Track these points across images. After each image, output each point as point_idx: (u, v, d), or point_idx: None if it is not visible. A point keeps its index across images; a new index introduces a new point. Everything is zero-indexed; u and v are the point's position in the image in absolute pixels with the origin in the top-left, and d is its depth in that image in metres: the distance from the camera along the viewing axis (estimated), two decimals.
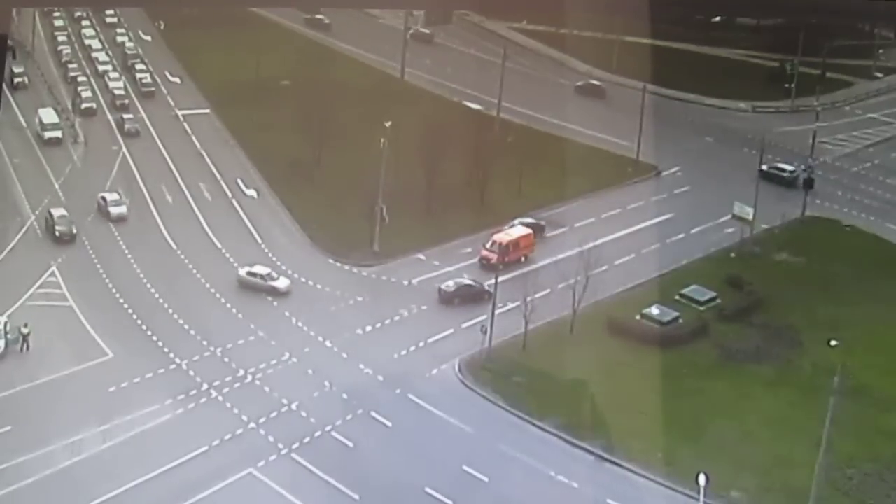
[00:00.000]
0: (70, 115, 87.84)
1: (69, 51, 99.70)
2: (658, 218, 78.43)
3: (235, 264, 70.97)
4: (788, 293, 70.42)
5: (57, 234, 72.25)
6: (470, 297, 68.67)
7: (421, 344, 64.75)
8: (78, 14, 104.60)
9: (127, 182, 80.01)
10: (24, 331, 61.96)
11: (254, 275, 69.45)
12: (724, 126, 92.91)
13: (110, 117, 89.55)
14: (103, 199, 76.19)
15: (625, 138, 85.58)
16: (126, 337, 63.97)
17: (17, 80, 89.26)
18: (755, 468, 55.73)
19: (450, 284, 69.59)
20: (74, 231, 72.69)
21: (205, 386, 60.66)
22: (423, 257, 72.80)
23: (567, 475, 55.53)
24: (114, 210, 75.50)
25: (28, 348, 61.84)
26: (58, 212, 73.56)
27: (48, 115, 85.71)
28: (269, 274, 69.59)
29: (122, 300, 67.10)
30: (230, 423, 58.10)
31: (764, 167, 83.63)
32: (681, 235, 76.51)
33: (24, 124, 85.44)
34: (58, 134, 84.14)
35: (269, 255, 72.52)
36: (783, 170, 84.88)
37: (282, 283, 69.22)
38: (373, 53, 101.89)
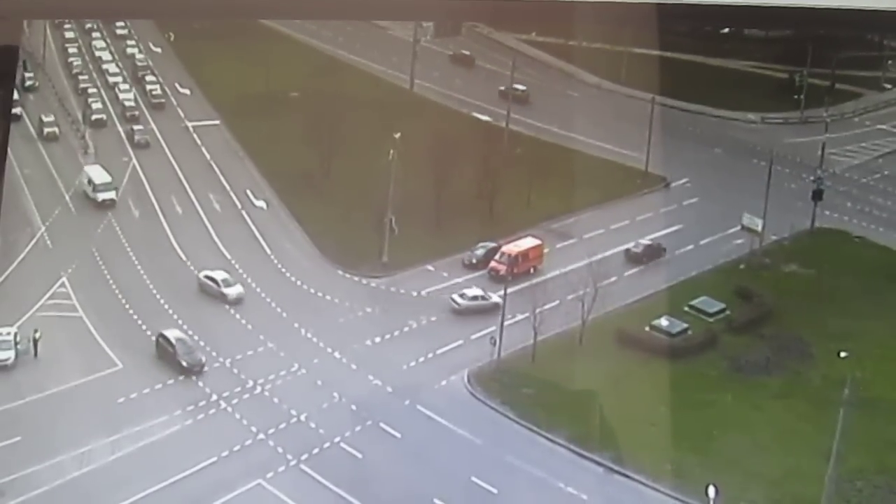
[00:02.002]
0: (80, 126, 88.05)
1: (79, 62, 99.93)
2: (667, 229, 78.36)
3: (244, 274, 71.09)
4: (798, 305, 70.30)
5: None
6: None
7: (430, 355, 64.75)
8: (88, 26, 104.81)
9: (137, 193, 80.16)
10: (36, 336, 62.40)
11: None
12: (732, 137, 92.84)
13: (120, 129, 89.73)
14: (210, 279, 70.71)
15: (634, 150, 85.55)
16: (135, 347, 64.06)
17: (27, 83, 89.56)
18: (765, 480, 55.61)
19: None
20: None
21: (214, 397, 60.74)
22: (432, 268, 72.83)
23: (576, 487, 55.46)
24: None
25: (37, 354, 62.08)
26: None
27: (99, 174, 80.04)
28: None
29: (131, 311, 67.20)
30: (239, 435, 58.16)
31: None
32: (690, 247, 76.44)
33: (34, 135, 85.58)
34: (112, 195, 78.19)
35: (278, 265, 72.63)
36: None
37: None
38: (382, 65, 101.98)
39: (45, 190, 78.57)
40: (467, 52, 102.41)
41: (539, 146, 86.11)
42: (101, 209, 76.73)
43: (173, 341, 63.51)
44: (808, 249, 77.58)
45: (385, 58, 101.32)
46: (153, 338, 64.72)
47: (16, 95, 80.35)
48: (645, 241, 74.48)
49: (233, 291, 69.22)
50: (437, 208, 77.22)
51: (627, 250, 74.18)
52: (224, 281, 69.50)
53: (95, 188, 78.08)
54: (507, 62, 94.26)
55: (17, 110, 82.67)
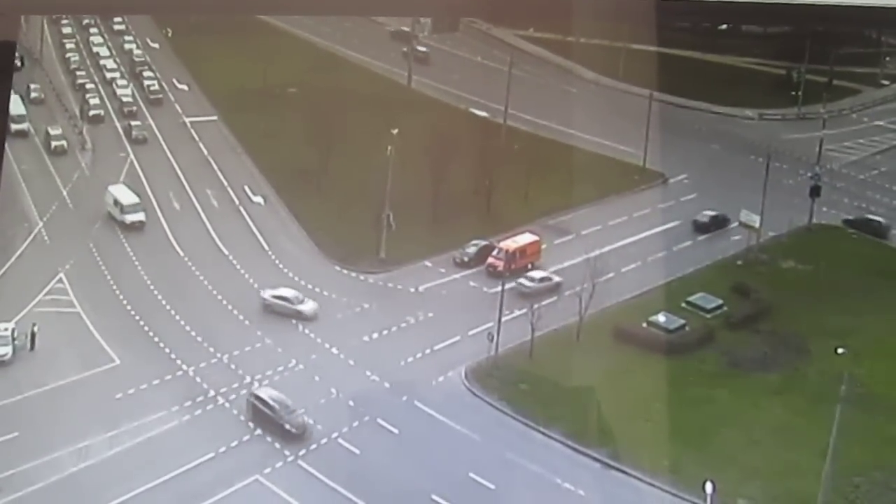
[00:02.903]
0: (78, 122, 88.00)
1: (77, 58, 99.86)
2: (665, 225, 78.38)
3: (241, 270, 71.14)
4: (795, 301, 70.34)
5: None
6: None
7: (427, 351, 64.78)
8: (86, 22, 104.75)
9: (135, 189, 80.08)
10: (34, 329, 62.53)
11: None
12: (730, 133, 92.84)
13: (118, 124, 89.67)
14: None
15: (632, 146, 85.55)
16: (133, 343, 64.08)
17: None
18: (762, 476, 55.67)
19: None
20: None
21: (212, 392, 60.75)
22: (429, 264, 72.83)
23: (573, 483, 55.53)
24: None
25: (34, 347, 62.18)
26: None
27: (125, 195, 77.02)
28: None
29: (128, 306, 67.19)
30: (237, 430, 58.19)
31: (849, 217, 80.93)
32: (687, 243, 76.48)
33: (34, 131, 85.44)
34: (141, 216, 75.56)
35: (276, 261, 72.62)
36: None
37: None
38: (380, 61, 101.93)
39: (45, 192, 78.70)
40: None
41: (536, 142, 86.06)
42: (131, 231, 74.53)
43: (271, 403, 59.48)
44: (805, 245, 77.62)
45: (383, 53, 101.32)
46: (159, 342, 64.89)
47: (22, 110, 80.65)
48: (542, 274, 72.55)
49: (306, 307, 67.38)
50: (434, 204, 77.18)
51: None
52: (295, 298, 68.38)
53: (123, 209, 75.37)
54: (505, 58, 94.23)
55: (24, 126, 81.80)
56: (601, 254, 69.10)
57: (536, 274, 71.26)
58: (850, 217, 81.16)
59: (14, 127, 78.55)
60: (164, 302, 67.80)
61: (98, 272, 70.28)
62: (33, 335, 62.58)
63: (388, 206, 73.10)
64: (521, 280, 70.33)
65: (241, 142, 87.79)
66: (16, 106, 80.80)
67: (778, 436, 58.65)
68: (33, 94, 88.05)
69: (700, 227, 78.73)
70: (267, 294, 68.22)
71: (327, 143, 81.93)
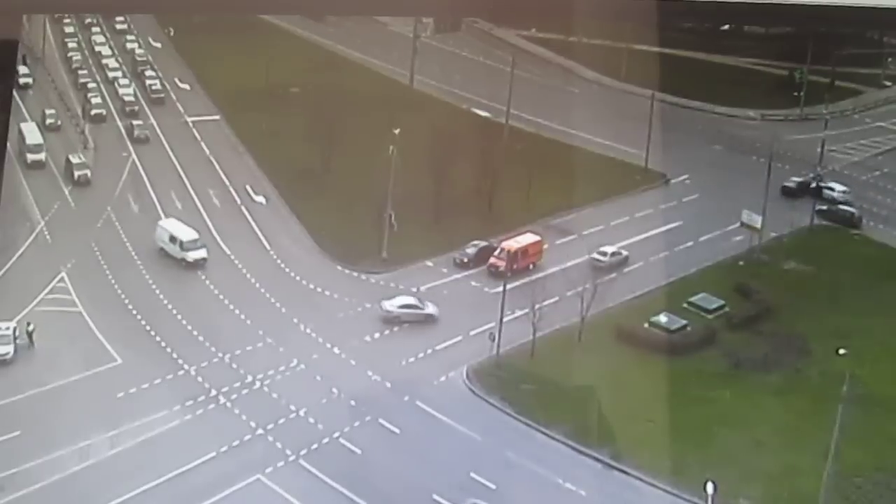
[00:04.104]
0: (80, 121, 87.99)
1: (79, 57, 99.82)
2: (666, 226, 78.35)
3: (243, 270, 71.11)
4: (797, 302, 70.32)
5: None
6: None
7: (429, 351, 64.79)
8: (88, 21, 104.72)
9: (136, 188, 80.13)
10: (29, 329, 62.57)
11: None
12: (732, 134, 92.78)
13: (120, 124, 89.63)
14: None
15: (634, 146, 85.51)
16: (134, 342, 64.06)
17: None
18: (763, 476, 55.66)
19: None
20: None
21: (213, 392, 60.76)
22: (431, 264, 72.83)
23: (575, 483, 55.52)
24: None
25: (33, 345, 62.21)
26: None
27: (183, 230, 73.40)
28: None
29: (130, 306, 67.20)
30: (238, 430, 58.19)
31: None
32: (689, 243, 76.45)
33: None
34: (204, 253, 71.80)
35: (277, 261, 72.62)
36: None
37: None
38: (382, 61, 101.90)
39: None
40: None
41: (538, 142, 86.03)
42: (191, 269, 71.19)
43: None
44: (807, 246, 77.60)
45: (386, 53, 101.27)
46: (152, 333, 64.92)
47: (39, 138, 79.16)
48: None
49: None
50: (436, 204, 77.17)
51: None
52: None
53: (183, 246, 71.94)
54: (507, 58, 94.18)
55: (41, 156, 79.41)
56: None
57: (608, 248, 73.24)
58: (824, 207, 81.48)
59: (30, 157, 77.46)
60: (165, 301, 67.80)
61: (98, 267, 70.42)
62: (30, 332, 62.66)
63: (391, 205, 73.11)
64: (594, 255, 72.56)
65: (243, 141, 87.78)
66: (33, 135, 79.87)
67: (779, 436, 58.63)
68: (48, 121, 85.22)
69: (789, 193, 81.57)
70: (389, 305, 67.68)
71: (329, 142, 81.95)
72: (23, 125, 79.40)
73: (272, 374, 62.32)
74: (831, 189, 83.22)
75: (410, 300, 68.40)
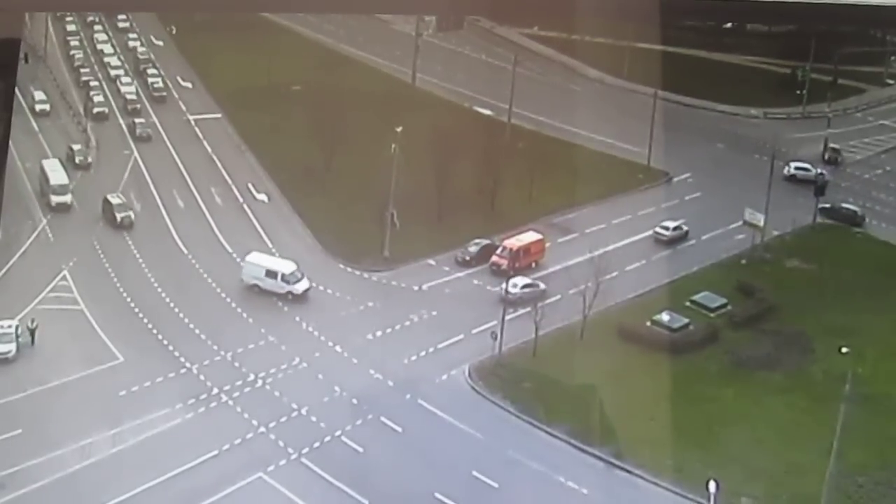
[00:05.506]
0: (82, 119, 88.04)
1: (81, 55, 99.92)
2: (667, 225, 78.26)
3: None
4: (799, 300, 70.30)
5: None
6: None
7: (431, 349, 64.79)
8: (90, 19, 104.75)
9: (138, 186, 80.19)
10: (31, 326, 62.63)
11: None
12: (735, 132, 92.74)
13: (122, 122, 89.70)
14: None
15: (636, 144, 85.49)
16: (136, 341, 64.10)
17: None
18: (765, 475, 55.64)
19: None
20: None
21: (215, 390, 60.77)
22: (433, 262, 72.83)
23: (577, 481, 55.52)
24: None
25: (34, 342, 62.31)
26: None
27: (278, 263, 70.41)
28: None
29: (132, 304, 67.25)
30: (240, 428, 58.22)
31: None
32: (691, 242, 76.44)
33: (36, 129, 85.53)
34: (306, 284, 68.99)
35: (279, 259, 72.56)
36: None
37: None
38: (384, 59, 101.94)
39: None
40: None
41: (541, 141, 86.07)
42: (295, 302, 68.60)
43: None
44: (809, 244, 77.56)
45: (388, 51, 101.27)
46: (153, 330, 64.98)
47: (65, 178, 78.34)
48: None
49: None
50: (438, 202, 77.12)
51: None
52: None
53: (284, 278, 68.80)
54: (509, 56, 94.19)
55: (66, 198, 76.36)
56: (605, 252, 69.07)
57: (670, 223, 77.12)
58: (827, 205, 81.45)
59: (55, 199, 75.88)
60: (167, 299, 67.84)
61: (101, 266, 70.37)
62: (32, 330, 62.75)
63: (392, 203, 73.10)
64: (657, 229, 76.35)
65: (245, 139, 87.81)
66: (57, 175, 77.75)
67: (781, 435, 58.64)
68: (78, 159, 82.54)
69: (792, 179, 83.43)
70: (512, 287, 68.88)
71: (331, 140, 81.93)
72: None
73: (274, 371, 62.33)
74: (807, 170, 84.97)
75: (527, 280, 69.88)
